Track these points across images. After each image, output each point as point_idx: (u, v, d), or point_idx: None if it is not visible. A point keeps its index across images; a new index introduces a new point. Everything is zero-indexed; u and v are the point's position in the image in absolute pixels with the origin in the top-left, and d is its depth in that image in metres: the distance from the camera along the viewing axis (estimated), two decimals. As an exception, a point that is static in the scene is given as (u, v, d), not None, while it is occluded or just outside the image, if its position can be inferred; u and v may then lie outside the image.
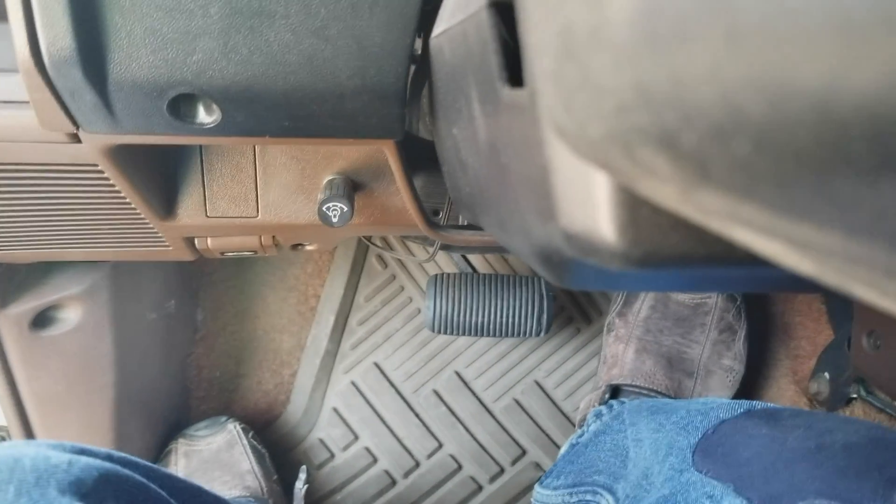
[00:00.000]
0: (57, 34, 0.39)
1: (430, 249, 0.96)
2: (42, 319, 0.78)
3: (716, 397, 0.82)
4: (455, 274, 0.97)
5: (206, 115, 0.45)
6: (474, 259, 1.12)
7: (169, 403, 1.06)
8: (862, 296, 0.16)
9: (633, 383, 0.94)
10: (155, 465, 0.60)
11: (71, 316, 0.79)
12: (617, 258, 0.20)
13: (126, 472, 0.55)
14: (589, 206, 0.20)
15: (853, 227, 0.12)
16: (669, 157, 0.14)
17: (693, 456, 0.64)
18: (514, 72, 0.25)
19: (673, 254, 0.20)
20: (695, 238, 0.20)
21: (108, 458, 0.55)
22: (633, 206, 0.19)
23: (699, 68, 0.12)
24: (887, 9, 0.08)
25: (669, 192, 0.16)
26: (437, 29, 0.39)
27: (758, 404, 0.67)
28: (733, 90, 0.11)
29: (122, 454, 0.57)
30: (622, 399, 0.92)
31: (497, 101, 0.26)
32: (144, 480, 0.56)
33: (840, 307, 1.01)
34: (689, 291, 0.95)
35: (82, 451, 0.54)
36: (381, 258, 1.13)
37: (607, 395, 0.94)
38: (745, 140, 0.11)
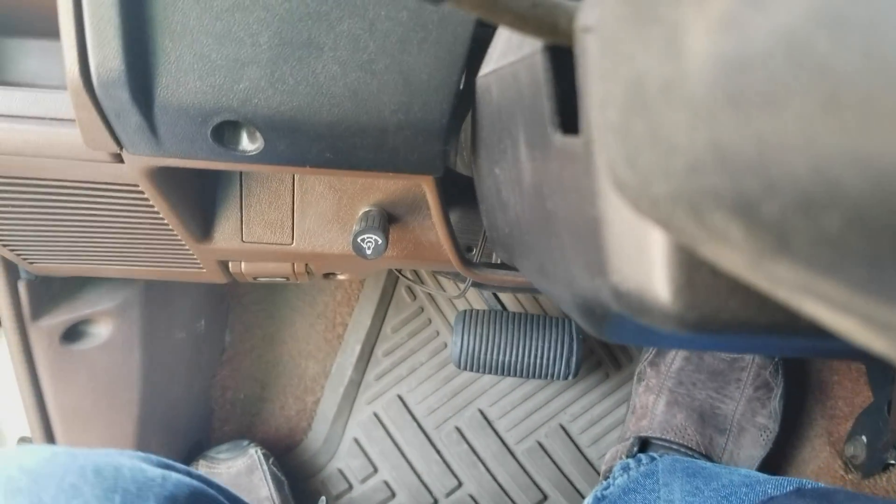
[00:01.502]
0: (107, 55, 0.39)
1: (461, 285, 0.95)
2: (73, 333, 0.78)
3: (754, 471, 0.79)
4: (484, 311, 0.96)
5: (248, 143, 0.45)
6: (504, 296, 1.10)
7: (192, 423, 1.05)
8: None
9: (663, 437, 0.91)
10: (226, 487, 0.61)
11: (102, 331, 0.79)
12: (671, 320, 0.19)
13: (211, 491, 0.56)
14: (643, 264, 0.19)
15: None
16: (744, 225, 0.13)
17: None
18: (566, 117, 0.25)
19: (731, 320, 0.18)
20: (755, 305, 0.18)
21: (189, 474, 0.56)
22: (691, 267, 0.18)
23: (790, 135, 0.11)
24: None
25: (737, 260, 0.15)
26: (486, 68, 0.38)
27: (808, 483, 0.64)
28: (829, 162, 0.10)
29: (199, 472, 0.58)
30: (652, 454, 0.89)
31: (547, 147, 0.26)
32: (226, 502, 0.57)
33: (881, 368, 0.98)
34: (735, 353, 0.93)
35: (168, 466, 0.55)
36: (410, 290, 1.12)
37: (635, 448, 0.91)
38: (836, 215, 0.11)
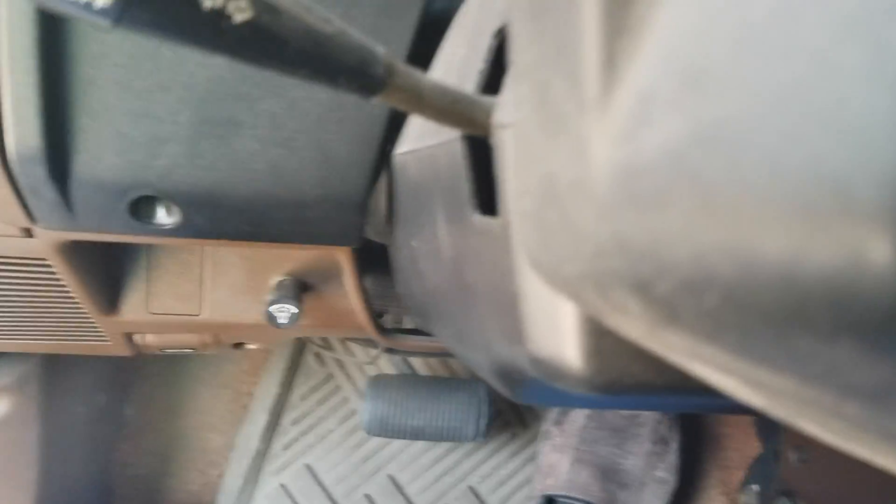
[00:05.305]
0: (25, 133, 0.39)
1: (371, 350, 0.96)
2: (-35, 412, 0.74)
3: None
4: (394, 375, 0.97)
5: (166, 217, 0.45)
6: (414, 359, 1.11)
7: (91, 502, 1.01)
8: (807, 429, 0.17)
9: (569, 495, 0.94)
10: None
11: (-2, 409, 0.76)
12: (582, 384, 0.21)
13: None
14: (557, 333, 0.21)
15: (807, 376, 0.13)
16: (641, 301, 0.15)
17: None
18: (484, 198, 0.27)
19: (634, 382, 0.21)
20: (655, 368, 0.21)
21: None
22: (599, 336, 0.21)
23: (674, 230, 0.13)
24: (843, 199, 0.10)
25: (637, 329, 0.17)
26: (403, 147, 0.41)
27: None
28: (705, 252, 0.13)
29: None
30: (557, 512, 0.92)
31: (466, 225, 0.28)
32: None
33: (768, 420, 1.03)
34: (642, 410, 0.97)
35: None
36: (318, 356, 1.12)
37: (542, 507, 0.93)
38: (714, 295, 0.13)
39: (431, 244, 0.36)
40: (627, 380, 0.21)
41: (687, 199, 0.13)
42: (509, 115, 0.21)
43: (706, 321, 0.14)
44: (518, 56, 0.18)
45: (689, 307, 0.14)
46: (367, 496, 1.08)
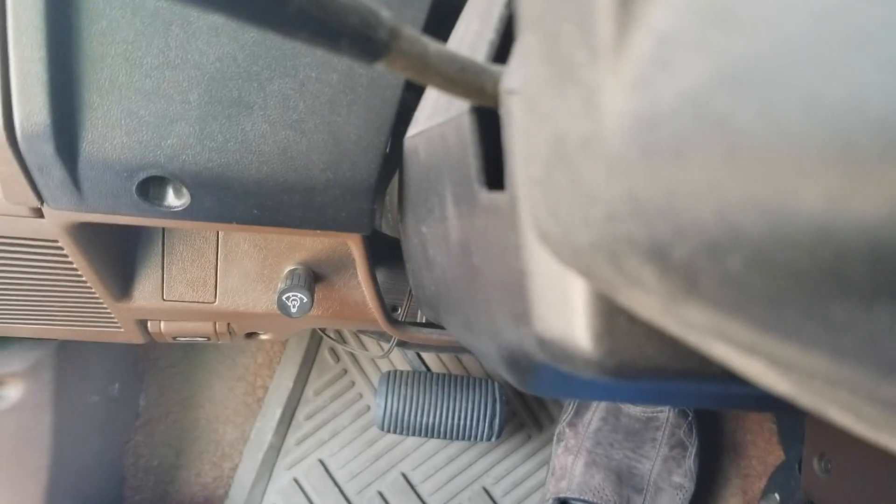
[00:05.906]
0: (33, 108, 0.39)
1: (385, 345, 0.95)
2: (-22, 396, 0.74)
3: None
4: (408, 372, 0.96)
5: (174, 199, 0.45)
6: (428, 357, 1.11)
7: (103, 491, 1.01)
8: (837, 419, 0.16)
9: (581, 498, 0.92)
10: None
11: (11, 394, 0.75)
12: (591, 367, 0.20)
13: None
14: (565, 312, 0.20)
15: (841, 350, 0.12)
16: (657, 269, 0.14)
17: None
18: (492, 175, 0.26)
19: (647, 366, 0.20)
20: (670, 351, 0.20)
21: None
22: (610, 315, 0.19)
23: (695, 184, 0.12)
24: (890, 137, 0.09)
25: (652, 304, 0.16)
26: (413, 129, 0.40)
27: None
28: (730, 208, 0.11)
29: None
30: (570, 514, 0.90)
31: (473, 203, 0.27)
32: None
33: (790, 428, 1.01)
34: (655, 404, 0.95)
35: None
36: (333, 351, 1.11)
37: (555, 509, 0.92)
38: (739, 257, 0.12)
39: (440, 228, 0.35)
40: (640, 363, 0.20)
41: (710, 149, 0.11)
42: (517, 80, 0.20)
43: (729, 289, 0.12)
44: (526, 8, 0.17)
45: (709, 273, 0.13)
46: (380, 493, 1.07)
